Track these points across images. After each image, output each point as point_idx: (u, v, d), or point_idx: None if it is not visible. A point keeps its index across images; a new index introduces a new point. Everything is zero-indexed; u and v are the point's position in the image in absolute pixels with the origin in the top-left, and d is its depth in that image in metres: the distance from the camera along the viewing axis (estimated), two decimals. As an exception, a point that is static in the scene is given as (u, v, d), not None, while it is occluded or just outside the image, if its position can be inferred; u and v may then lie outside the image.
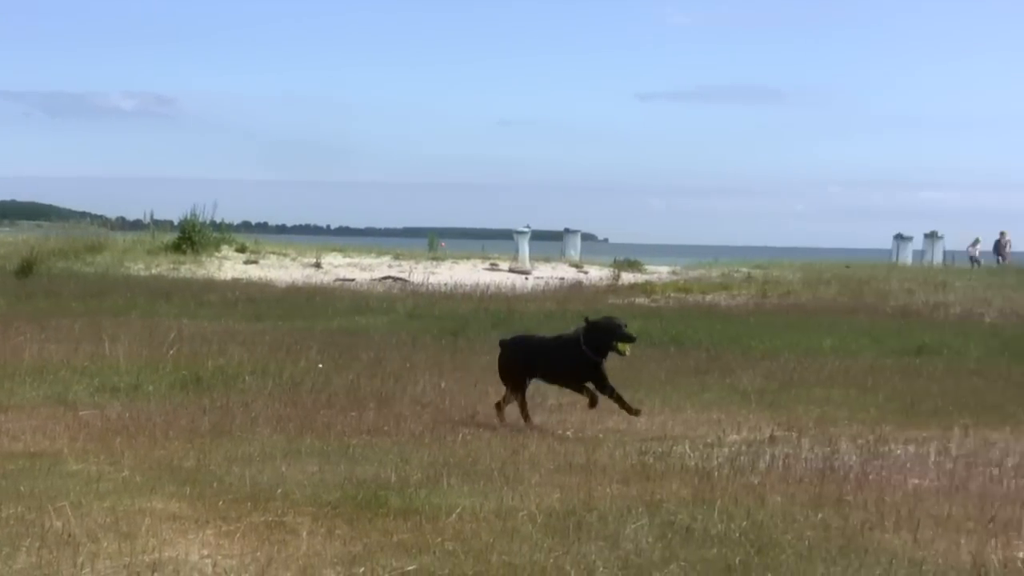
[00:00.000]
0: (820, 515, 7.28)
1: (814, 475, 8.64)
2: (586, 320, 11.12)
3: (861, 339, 18.57)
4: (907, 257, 46.38)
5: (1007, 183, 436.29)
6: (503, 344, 11.62)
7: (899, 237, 48.80)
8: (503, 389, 11.26)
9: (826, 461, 9.28)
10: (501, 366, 11.47)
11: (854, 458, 9.48)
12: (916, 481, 8.68)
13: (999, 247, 51.82)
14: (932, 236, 48.97)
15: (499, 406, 11.14)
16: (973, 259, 49.34)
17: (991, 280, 29.69)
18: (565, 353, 10.97)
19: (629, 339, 10.84)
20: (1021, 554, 6.61)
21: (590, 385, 10.81)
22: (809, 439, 10.30)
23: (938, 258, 46.78)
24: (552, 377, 11.24)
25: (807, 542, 6.66)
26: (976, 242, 52.63)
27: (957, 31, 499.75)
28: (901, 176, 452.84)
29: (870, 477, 8.68)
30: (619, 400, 10.74)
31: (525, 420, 10.93)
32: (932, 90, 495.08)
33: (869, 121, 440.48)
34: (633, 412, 10.68)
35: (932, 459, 9.60)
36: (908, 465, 9.30)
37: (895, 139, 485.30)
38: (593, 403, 10.78)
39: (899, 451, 9.93)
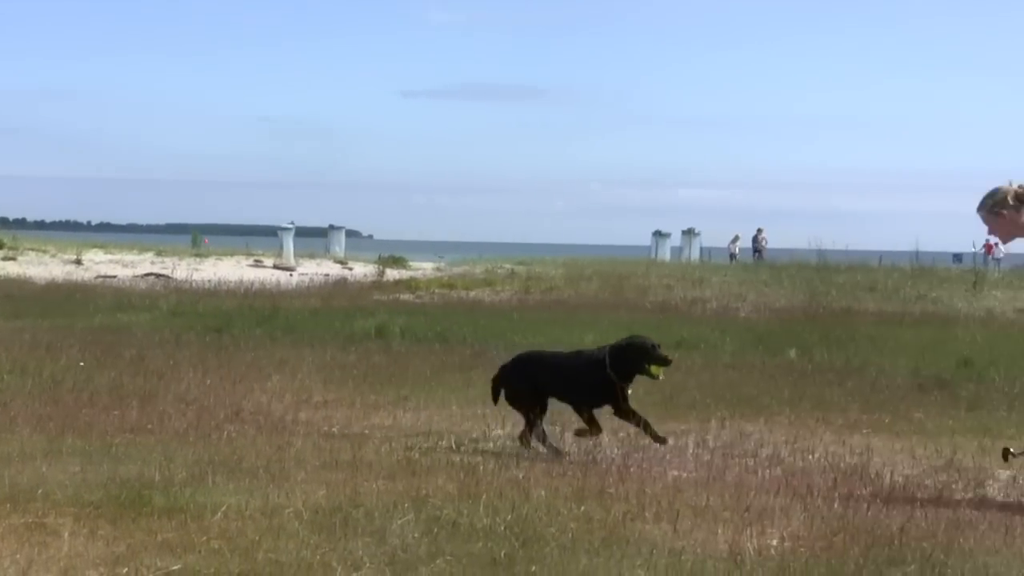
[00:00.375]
0: (583, 507, 7.41)
1: (577, 468, 8.79)
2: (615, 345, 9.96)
3: (622, 334, 18.72)
4: (666, 254, 47.36)
5: (763, 182, 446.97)
6: (506, 367, 10.42)
7: (658, 234, 49.80)
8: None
9: (589, 454, 9.46)
10: (507, 390, 10.26)
11: (616, 451, 9.67)
12: (675, 472, 8.90)
13: (756, 244, 53.38)
14: (689, 233, 50.07)
15: (524, 438, 9.93)
16: (732, 255, 50.68)
17: (746, 276, 30.50)
18: (586, 373, 9.89)
19: (664, 361, 9.78)
20: (774, 542, 6.83)
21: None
22: (571, 433, 10.46)
23: (695, 254, 47.86)
24: (566, 398, 10.08)
25: (570, 534, 6.77)
26: (736, 239, 54.11)
27: (713, 32, 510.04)
28: (659, 174, 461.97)
29: (631, 469, 8.87)
30: (645, 426, 9.71)
31: (521, 440, 9.91)
32: (690, 90, 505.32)
33: (629, 120, 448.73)
34: (660, 440, 9.64)
35: (691, 451, 9.85)
36: (667, 457, 9.53)
37: (654, 138, 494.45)
38: (596, 431, 9.83)
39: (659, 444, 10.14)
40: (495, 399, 10.38)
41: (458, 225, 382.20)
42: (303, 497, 7.46)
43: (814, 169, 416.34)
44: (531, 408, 9.95)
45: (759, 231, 55.02)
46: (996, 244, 48.10)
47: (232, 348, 16.24)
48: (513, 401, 10.20)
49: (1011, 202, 8.44)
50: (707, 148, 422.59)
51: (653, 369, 9.70)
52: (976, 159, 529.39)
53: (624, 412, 9.79)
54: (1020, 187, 8.48)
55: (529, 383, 10.08)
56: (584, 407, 9.92)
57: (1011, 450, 8.82)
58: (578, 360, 10.15)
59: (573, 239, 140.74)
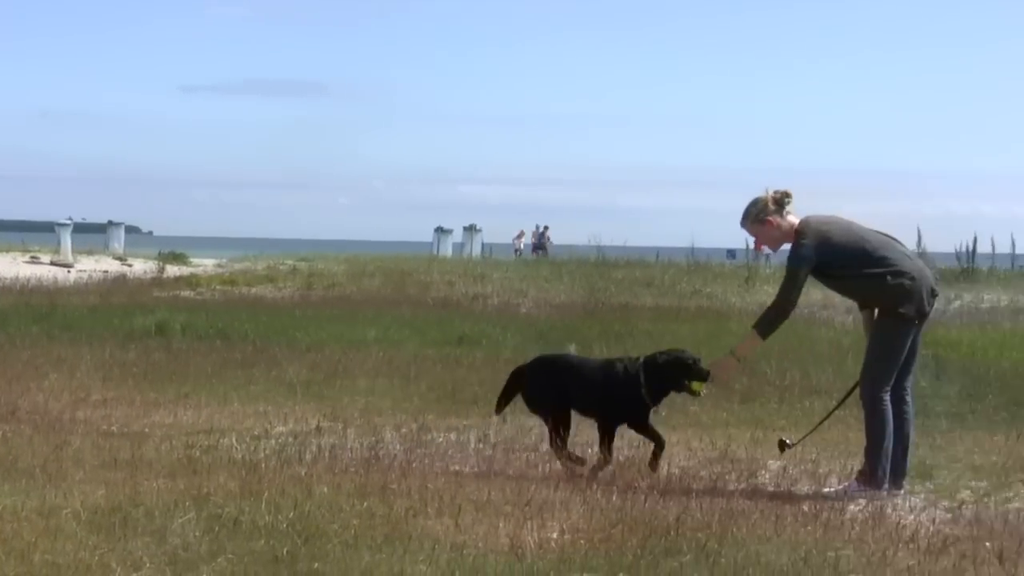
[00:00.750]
0: (366, 504, 7.43)
1: (360, 464, 8.81)
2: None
3: (404, 330, 18.94)
4: (447, 250, 47.51)
5: (545, 179, 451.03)
6: (521, 370, 9.62)
7: (440, 230, 49.93)
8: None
9: (371, 450, 9.48)
10: (527, 394, 9.46)
11: (398, 447, 9.72)
12: (457, 467, 8.99)
13: (540, 240, 53.98)
14: (471, 229, 50.32)
15: (558, 449, 9.11)
16: (517, 251, 51.12)
17: (527, 272, 30.77)
18: (615, 387, 9.00)
19: (704, 377, 8.95)
20: (555, 534, 6.95)
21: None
22: (355, 429, 10.48)
23: (477, 251, 48.12)
24: (589, 411, 9.27)
25: (353, 531, 6.80)
26: (520, 235, 54.58)
27: (495, 29, 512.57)
28: (442, 171, 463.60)
29: (414, 465, 8.92)
30: (659, 445, 9.05)
31: (561, 457, 9.10)
32: (473, 87, 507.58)
33: (411, 116, 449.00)
34: (654, 465, 8.95)
35: (472, 446, 9.95)
36: (450, 452, 9.62)
37: (436, 134, 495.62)
38: (608, 460, 9.03)
39: (441, 439, 10.24)
40: (502, 406, 9.67)
41: (241, 221, 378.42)
42: (81, 497, 7.35)
43: (595, 166, 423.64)
44: (554, 418, 9.20)
45: (544, 227, 55.71)
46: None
47: (8, 346, 15.85)
48: (535, 407, 9.49)
49: (772, 207, 8.70)
50: (489, 145, 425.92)
51: (695, 386, 8.95)
52: (748, 157, 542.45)
53: (644, 428, 9.18)
54: (776, 192, 8.74)
55: (553, 390, 9.23)
56: (610, 424, 9.12)
57: (787, 441, 9.09)
58: (608, 372, 9.14)
59: (356, 235, 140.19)
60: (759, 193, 8.77)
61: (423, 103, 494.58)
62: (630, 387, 8.94)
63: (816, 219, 8.72)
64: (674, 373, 8.93)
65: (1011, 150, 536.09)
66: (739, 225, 8.98)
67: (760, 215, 8.72)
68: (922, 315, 8.62)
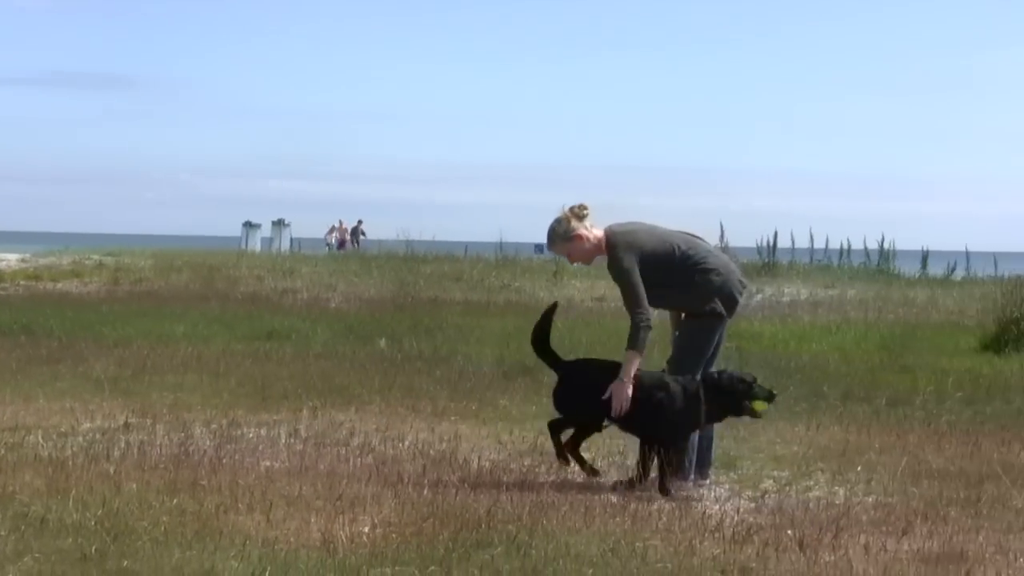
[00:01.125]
0: (176, 500, 7.38)
1: (169, 461, 8.72)
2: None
3: (213, 325, 18.77)
4: (256, 244, 47.13)
5: (354, 175, 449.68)
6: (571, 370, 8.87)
7: (248, 225, 49.52)
8: None
9: (181, 447, 9.38)
10: (563, 396, 8.79)
11: (208, 443, 9.64)
12: (268, 463, 8.95)
13: (354, 234, 53.81)
14: (279, 224, 49.98)
15: (572, 448, 8.71)
16: (329, 245, 50.87)
17: (336, 267, 30.66)
18: (674, 406, 8.42)
19: (770, 397, 8.63)
20: (366, 529, 6.98)
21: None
22: (164, 425, 10.36)
23: (286, 245, 47.79)
24: (631, 427, 8.65)
25: (163, 528, 6.75)
26: (332, 229, 54.29)
27: (300, 27, 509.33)
28: (250, 165, 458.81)
29: (224, 461, 8.86)
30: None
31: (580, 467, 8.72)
32: (279, 82, 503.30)
33: (218, 111, 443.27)
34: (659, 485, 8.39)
35: (283, 441, 9.91)
36: (260, 448, 9.56)
37: (243, 129, 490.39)
38: (645, 477, 8.50)
39: (252, 434, 10.17)
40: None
41: (45, 216, 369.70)
42: None
43: (405, 162, 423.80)
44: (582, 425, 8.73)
45: (359, 222, 55.57)
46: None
47: None
48: (565, 411, 8.83)
49: (575, 223, 8.78)
50: (298, 140, 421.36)
51: (757, 406, 8.55)
52: (555, 154, 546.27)
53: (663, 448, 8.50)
54: (573, 208, 8.82)
55: (590, 397, 8.57)
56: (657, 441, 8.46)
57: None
58: (667, 389, 8.51)
59: (164, 229, 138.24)
60: (557, 213, 8.79)
61: (230, 97, 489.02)
62: (690, 407, 8.47)
63: (620, 228, 8.81)
64: (736, 393, 8.52)
65: (811, 148, 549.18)
66: (547, 249, 9.04)
67: (567, 233, 8.77)
68: (731, 310, 8.80)
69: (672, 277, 8.64)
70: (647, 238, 8.76)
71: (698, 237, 9.03)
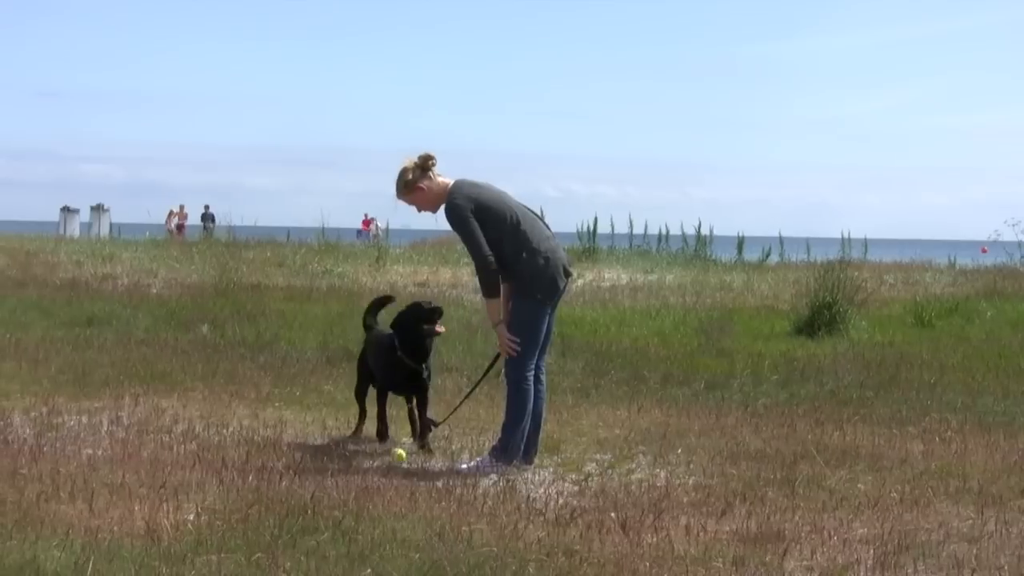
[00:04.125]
0: (-6, 490, 7.28)
1: (-13, 450, 8.58)
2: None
3: (31, 312, 18.38)
4: (75, 230, 46.24)
5: (170, 159, 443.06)
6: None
7: (66, 209, 48.52)
8: None
9: (0, 435, 9.23)
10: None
11: (28, 431, 9.48)
12: (90, 451, 8.84)
13: (205, 220, 53.14)
14: (98, 209, 49.09)
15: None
16: (171, 231, 50.08)
17: (156, 252, 30.21)
18: (381, 356, 9.55)
19: (435, 314, 9.34)
20: (191, 516, 6.94)
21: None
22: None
23: (105, 231, 46.95)
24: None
25: (-14, 518, 6.66)
26: (171, 214, 53.42)
27: (116, 12, 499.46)
28: (63, 149, 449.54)
29: (44, 449, 8.73)
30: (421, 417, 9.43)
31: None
32: (83, 62, 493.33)
33: (22, 92, 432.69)
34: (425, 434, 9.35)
35: (105, 428, 9.79)
36: (82, 436, 9.43)
37: (52, 112, 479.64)
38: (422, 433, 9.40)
39: (73, 422, 10.03)
40: None
41: None
42: None
43: (219, 146, 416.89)
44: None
45: (206, 207, 54.88)
46: (373, 220, 49.82)
47: None
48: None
49: (418, 173, 8.82)
50: (108, 124, 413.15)
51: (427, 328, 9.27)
52: (373, 138, 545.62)
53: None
54: (419, 157, 8.85)
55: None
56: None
57: (433, 420, 9.32)
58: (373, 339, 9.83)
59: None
60: (402, 163, 8.85)
61: (34, 78, 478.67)
62: (389, 351, 9.35)
63: (468, 181, 8.84)
64: (411, 325, 9.31)
65: (626, 137, 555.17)
66: (396, 198, 9.04)
67: (411, 183, 8.82)
68: (554, 296, 8.88)
69: (501, 245, 8.68)
70: (488, 195, 8.77)
71: (540, 218, 9.08)
